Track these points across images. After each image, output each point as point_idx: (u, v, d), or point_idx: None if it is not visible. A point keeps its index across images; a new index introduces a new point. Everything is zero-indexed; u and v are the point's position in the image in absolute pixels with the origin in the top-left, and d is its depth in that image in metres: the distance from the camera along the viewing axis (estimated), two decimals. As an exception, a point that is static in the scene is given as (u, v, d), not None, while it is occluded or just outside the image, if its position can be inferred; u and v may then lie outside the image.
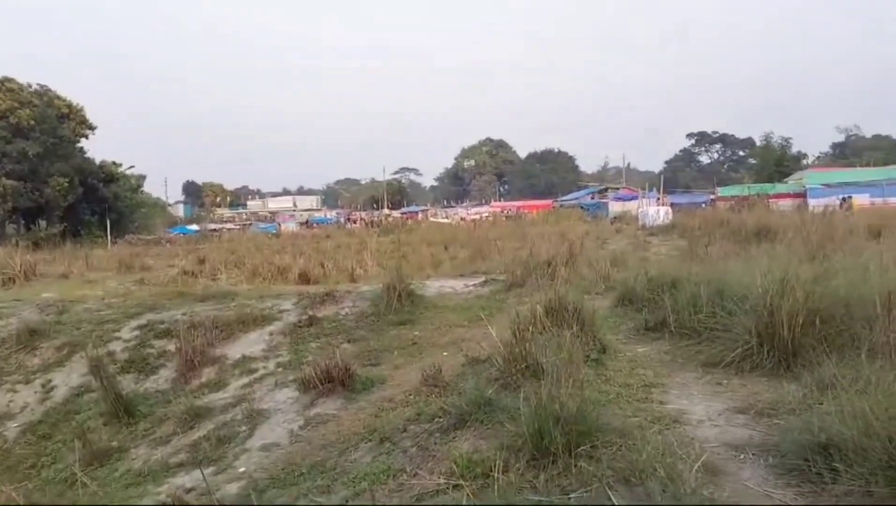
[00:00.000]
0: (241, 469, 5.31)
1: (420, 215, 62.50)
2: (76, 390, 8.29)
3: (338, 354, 6.72)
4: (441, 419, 4.37)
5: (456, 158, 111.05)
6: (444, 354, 6.88)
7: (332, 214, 74.37)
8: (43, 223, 42.56)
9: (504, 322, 6.46)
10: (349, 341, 8.33)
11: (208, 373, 8.30)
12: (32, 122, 39.54)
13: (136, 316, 10.14)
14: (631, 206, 43.71)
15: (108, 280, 16.62)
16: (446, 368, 5.77)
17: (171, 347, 8.83)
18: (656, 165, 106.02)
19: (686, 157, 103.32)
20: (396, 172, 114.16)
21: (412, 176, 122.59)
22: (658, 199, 41.79)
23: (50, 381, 8.56)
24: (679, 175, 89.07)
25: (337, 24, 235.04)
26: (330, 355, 6.79)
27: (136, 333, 9.49)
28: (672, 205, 34.05)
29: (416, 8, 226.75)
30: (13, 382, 8.54)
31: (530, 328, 4.91)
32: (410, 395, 5.47)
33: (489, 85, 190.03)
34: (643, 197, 46.28)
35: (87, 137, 45.69)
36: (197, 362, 8.36)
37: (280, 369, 7.83)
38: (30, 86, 42.77)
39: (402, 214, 65.00)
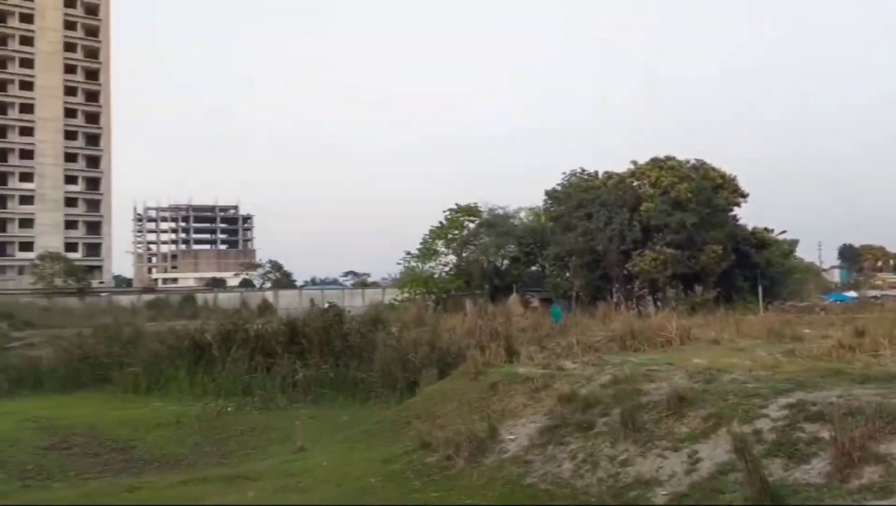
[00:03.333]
0: None
1: None
2: (721, 466, 7.91)
3: None
4: None
5: None
6: None
7: None
8: (699, 289, 45.21)
9: None
10: None
11: (870, 473, 6.88)
12: (689, 195, 42.75)
13: (784, 393, 9.29)
14: None
15: (756, 349, 16.11)
16: None
17: (825, 433, 7.70)
18: None
19: None
20: None
21: None
22: None
23: (696, 452, 8.41)
24: None
25: None
26: None
27: (785, 412, 8.63)
28: None
29: None
30: (662, 447, 8.69)
31: None
32: None
33: None
34: None
35: (738, 205, 47.01)
36: (856, 458, 7.03)
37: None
38: (687, 162, 46.53)
39: None
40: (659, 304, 43.34)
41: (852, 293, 53.78)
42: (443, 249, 53.63)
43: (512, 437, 10.32)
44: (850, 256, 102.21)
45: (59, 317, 42.85)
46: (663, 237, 42.39)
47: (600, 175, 48.80)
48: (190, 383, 22.48)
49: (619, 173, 47.50)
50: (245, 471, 11.89)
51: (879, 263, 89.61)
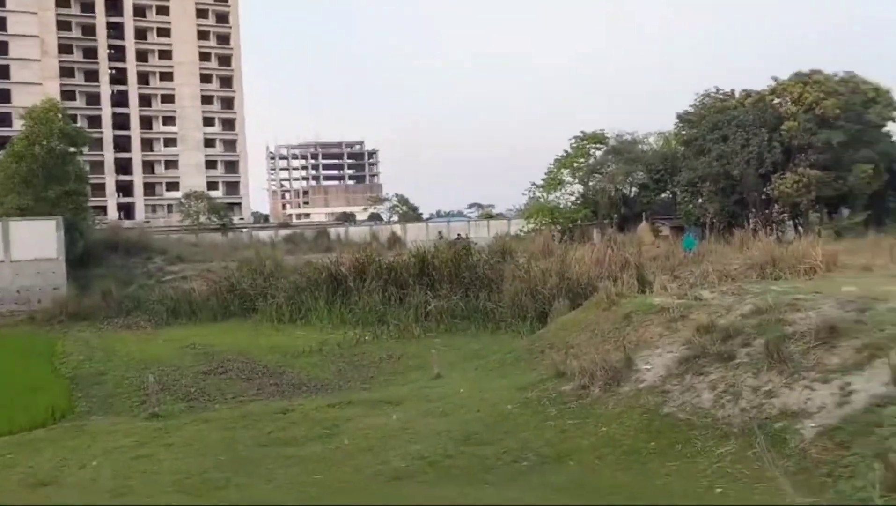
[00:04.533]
0: None
1: None
2: (877, 399, 7.50)
3: None
4: None
5: None
6: None
7: None
8: (845, 212, 42.17)
9: None
10: None
11: None
12: (837, 112, 39.42)
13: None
14: None
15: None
16: None
17: None
18: None
19: None
20: None
21: None
22: None
23: (848, 384, 8.00)
24: None
25: None
26: None
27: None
28: None
29: None
30: (811, 379, 8.33)
31: None
32: None
33: None
34: None
35: (893, 119, 42.96)
36: None
37: None
38: (835, 75, 42.74)
39: None
40: (801, 229, 40.83)
41: None
42: (568, 179, 52.62)
43: (648, 367, 10.22)
44: None
45: (206, 252, 45.82)
46: (806, 158, 39.53)
47: (737, 94, 45.85)
48: (328, 312, 23.70)
49: (757, 91, 44.41)
50: (387, 396, 12.51)
51: None
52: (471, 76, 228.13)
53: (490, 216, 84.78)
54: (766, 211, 43.23)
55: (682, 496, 6.84)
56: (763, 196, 42.05)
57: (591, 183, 51.81)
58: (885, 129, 43.01)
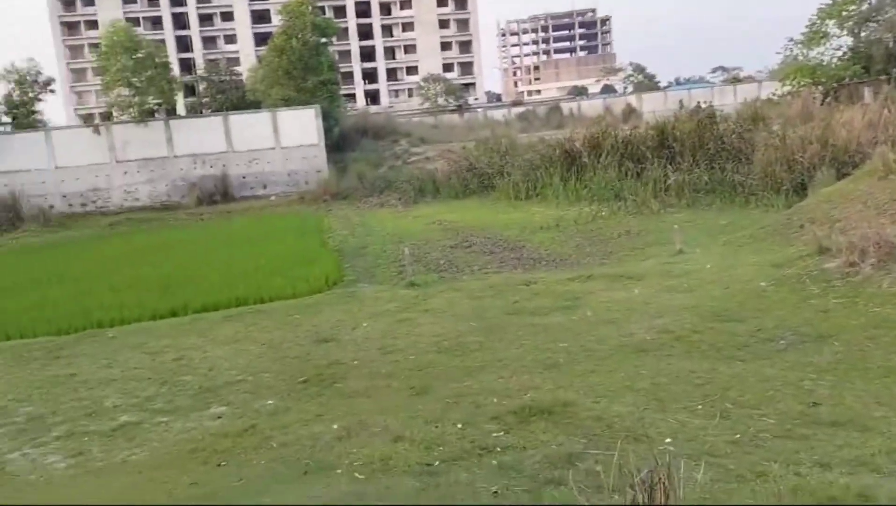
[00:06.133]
0: None
1: None
2: None
3: None
4: None
5: None
6: None
7: None
8: None
9: None
10: None
11: None
12: None
13: None
14: None
15: None
16: None
17: None
18: None
19: None
20: None
21: None
22: None
23: None
24: None
25: None
26: None
27: None
28: None
29: None
30: None
31: None
32: None
33: None
34: None
35: None
36: None
37: None
38: None
39: None
40: None
41: None
42: (835, 31, 45.93)
43: (934, 242, 9.00)
44: None
45: (445, 133, 47.69)
46: None
47: None
48: (563, 189, 23.73)
49: None
50: (627, 271, 12.42)
51: None
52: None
53: (737, 80, 77.58)
54: None
55: (974, 385, 6.11)
56: None
57: (863, 34, 44.80)
58: None
